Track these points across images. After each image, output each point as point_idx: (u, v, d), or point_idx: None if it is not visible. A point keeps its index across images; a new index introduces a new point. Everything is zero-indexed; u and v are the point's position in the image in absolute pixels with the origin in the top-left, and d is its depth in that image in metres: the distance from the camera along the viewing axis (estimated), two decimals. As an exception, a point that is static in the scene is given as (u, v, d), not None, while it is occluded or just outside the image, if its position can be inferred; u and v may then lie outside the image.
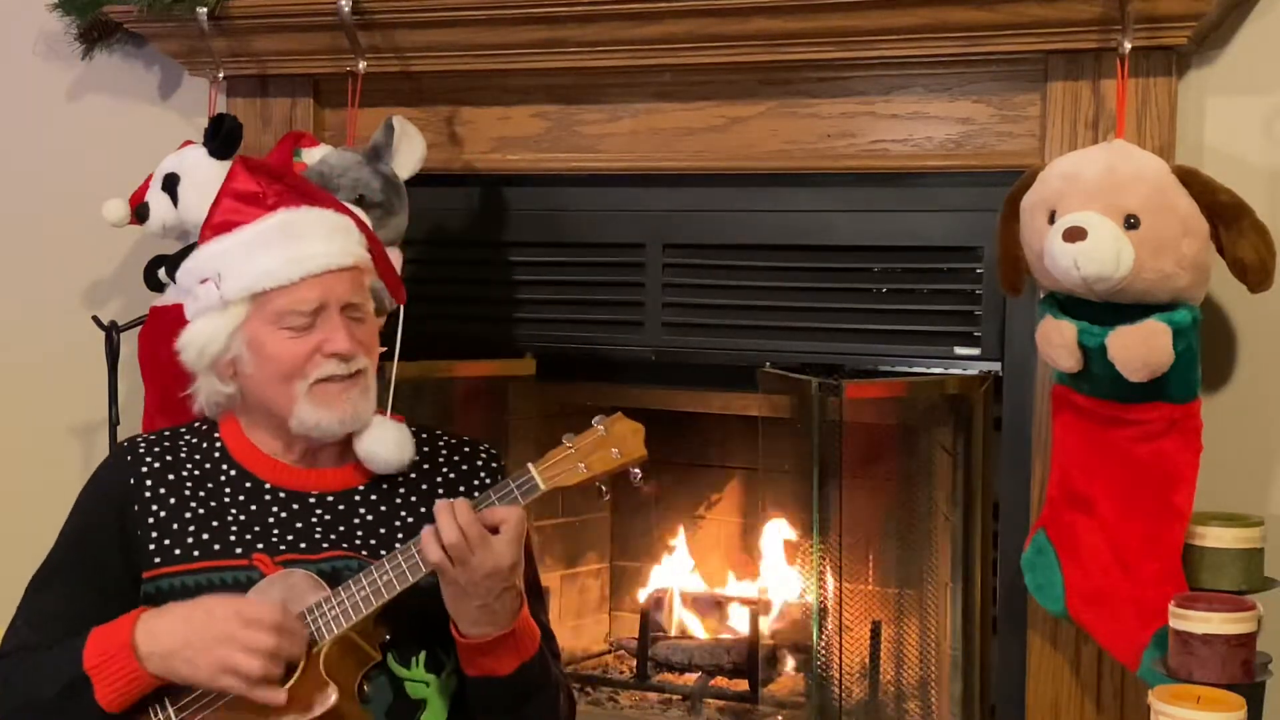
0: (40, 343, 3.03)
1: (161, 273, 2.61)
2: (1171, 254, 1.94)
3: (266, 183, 1.99)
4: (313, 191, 2.05)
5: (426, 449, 2.06)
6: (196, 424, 2.08)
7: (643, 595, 2.92)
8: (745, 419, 2.68)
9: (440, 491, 2.02)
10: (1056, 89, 2.21)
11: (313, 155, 2.50)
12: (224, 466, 2.00)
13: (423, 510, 1.99)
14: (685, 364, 2.62)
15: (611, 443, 1.85)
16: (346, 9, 2.47)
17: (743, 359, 2.52)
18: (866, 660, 2.57)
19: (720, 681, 2.74)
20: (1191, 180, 1.97)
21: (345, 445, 2.00)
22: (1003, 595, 2.33)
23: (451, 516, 1.78)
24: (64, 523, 2.03)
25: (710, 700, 2.71)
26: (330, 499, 1.98)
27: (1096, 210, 1.95)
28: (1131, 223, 1.94)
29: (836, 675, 2.47)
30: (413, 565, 1.82)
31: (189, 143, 2.63)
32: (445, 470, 2.04)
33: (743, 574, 2.93)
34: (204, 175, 2.56)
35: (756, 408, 2.57)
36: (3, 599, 3.00)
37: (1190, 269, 1.96)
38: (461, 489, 2.03)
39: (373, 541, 1.96)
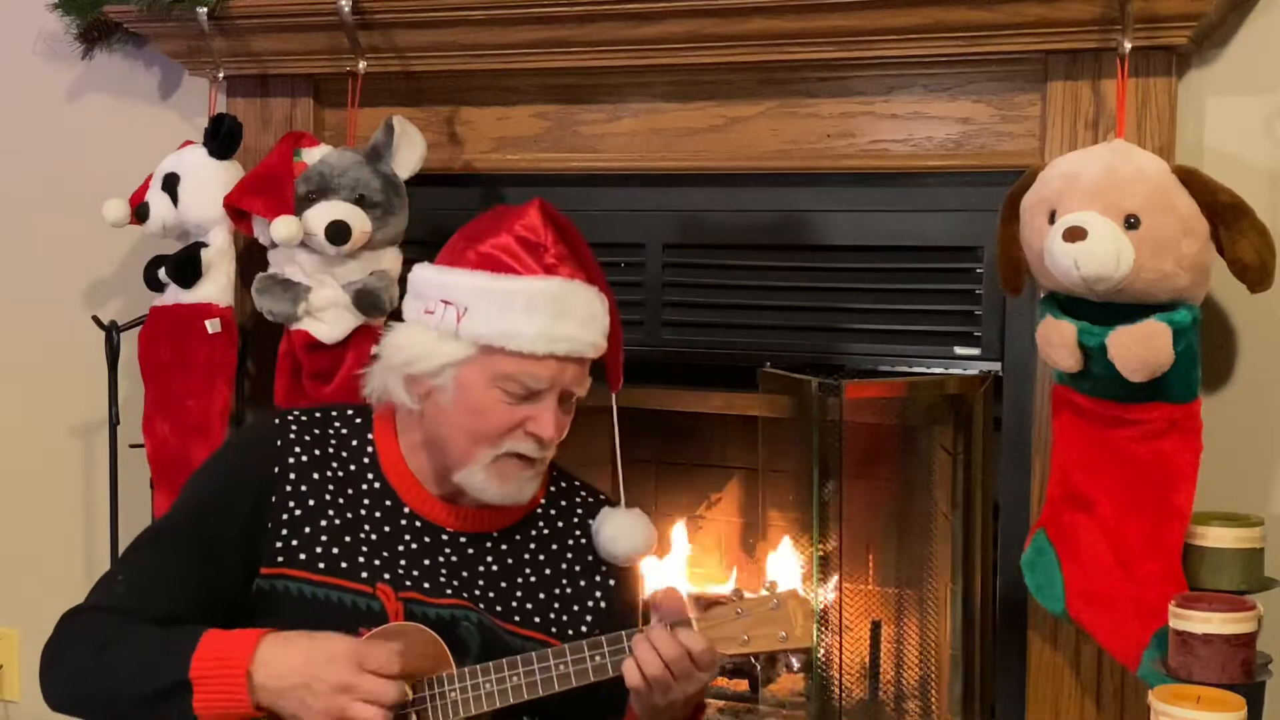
0: (40, 343, 3.03)
1: (161, 273, 2.60)
2: (1171, 254, 1.94)
3: (554, 239, 1.89)
4: (590, 266, 1.93)
5: (564, 502, 2.02)
6: (350, 412, 2.01)
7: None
8: (745, 419, 2.68)
9: (569, 556, 1.98)
10: (1056, 89, 2.21)
11: (313, 155, 2.50)
12: (369, 475, 1.94)
13: (547, 571, 1.96)
14: (685, 364, 2.62)
15: (780, 624, 1.76)
16: (346, 9, 2.47)
17: (743, 359, 2.52)
18: (866, 660, 2.57)
19: (720, 681, 2.73)
20: (1191, 180, 1.97)
21: None
22: (1003, 595, 2.33)
23: (654, 652, 1.72)
24: (190, 483, 1.97)
25: (710, 700, 2.70)
26: (463, 540, 1.94)
27: (1096, 210, 1.95)
28: (1131, 223, 1.94)
29: (836, 675, 2.47)
30: (546, 679, 1.77)
31: (189, 143, 2.63)
32: (577, 533, 2.00)
33: (743, 574, 2.92)
34: (204, 175, 2.56)
35: (756, 408, 2.57)
36: (4, 598, 3.00)
37: (1190, 269, 1.96)
38: (590, 558, 1.99)
39: (491, 595, 1.91)
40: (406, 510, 1.93)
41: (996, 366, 2.35)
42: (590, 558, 1.99)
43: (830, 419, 2.40)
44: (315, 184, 2.45)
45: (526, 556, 1.96)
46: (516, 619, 1.92)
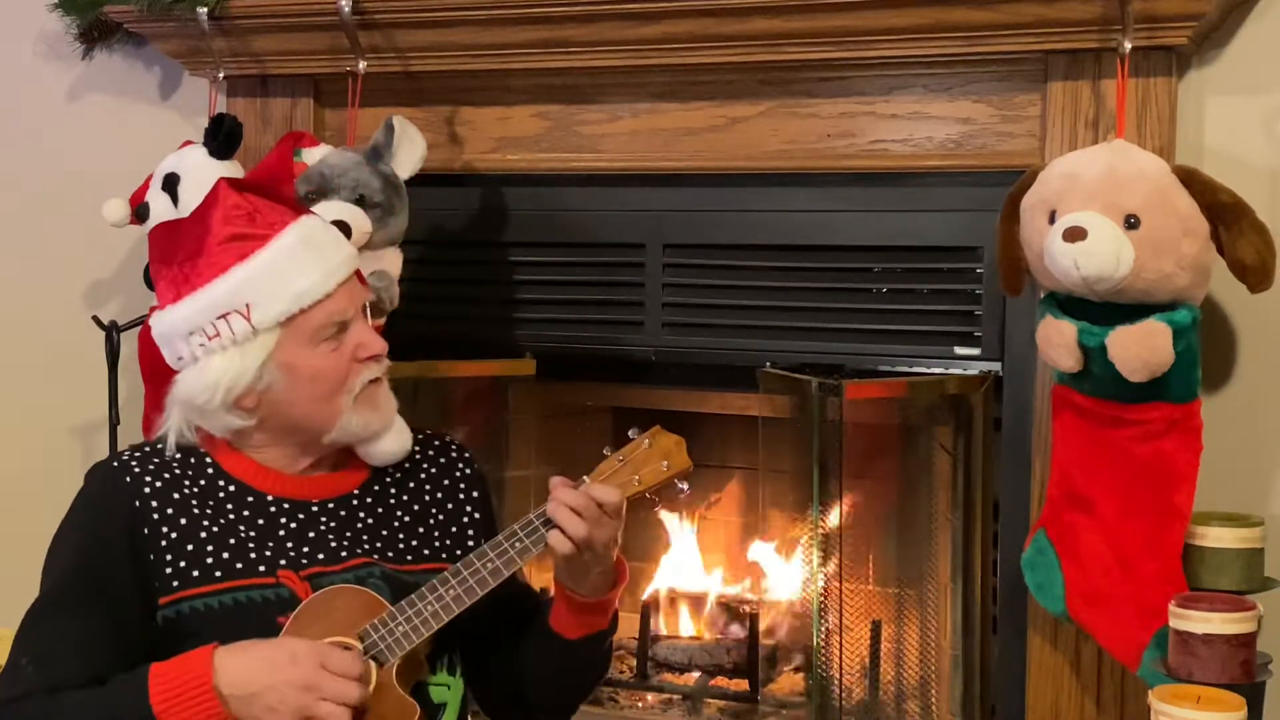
0: (40, 343, 3.03)
1: (161, 273, 2.60)
2: (1171, 254, 1.94)
3: (260, 202, 1.91)
4: (292, 201, 2.00)
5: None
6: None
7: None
8: (745, 419, 2.68)
9: (428, 487, 2.01)
10: (1056, 89, 2.21)
11: (313, 155, 2.50)
12: (220, 483, 1.93)
13: (416, 507, 1.99)
14: (685, 364, 2.62)
15: (658, 455, 1.86)
16: (346, 9, 2.47)
17: (743, 359, 2.53)
18: (866, 660, 2.57)
19: (720, 681, 2.73)
20: (1191, 180, 1.97)
21: (338, 452, 1.97)
22: (1003, 595, 2.33)
23: (569, 510, 1.80)
24: (53, 551, 1.92)
25: (710, 700, 2.70)
26: (331, 505, 1.95)
27: (1096, 210, 1.95)
28: (1131, 223, 1.94)
29: (836, 675, 2.47)
30: (480, 579, 1.82)
31: (189, 143, 2.63)
32: (426, 466, 2.03)
33: (743, 574, 2.92)
34: (204, 175, 2.55)
35: (756, 408, 2.57)
36: (4, 598, 3.00)
37: (1190, 269, 1.96)
38: (446, 482, 2.02)
39: (379, 544, 1.93)
40: (269, 499, 1.93)
41: (996, 366, 2.35)
42: (447, 482, 2.02)
43: (830, 419, 2.40)
44: (315, 184, 2.44)
45: (393, 501, 1.99)
46: (409, 558, 1.94)
